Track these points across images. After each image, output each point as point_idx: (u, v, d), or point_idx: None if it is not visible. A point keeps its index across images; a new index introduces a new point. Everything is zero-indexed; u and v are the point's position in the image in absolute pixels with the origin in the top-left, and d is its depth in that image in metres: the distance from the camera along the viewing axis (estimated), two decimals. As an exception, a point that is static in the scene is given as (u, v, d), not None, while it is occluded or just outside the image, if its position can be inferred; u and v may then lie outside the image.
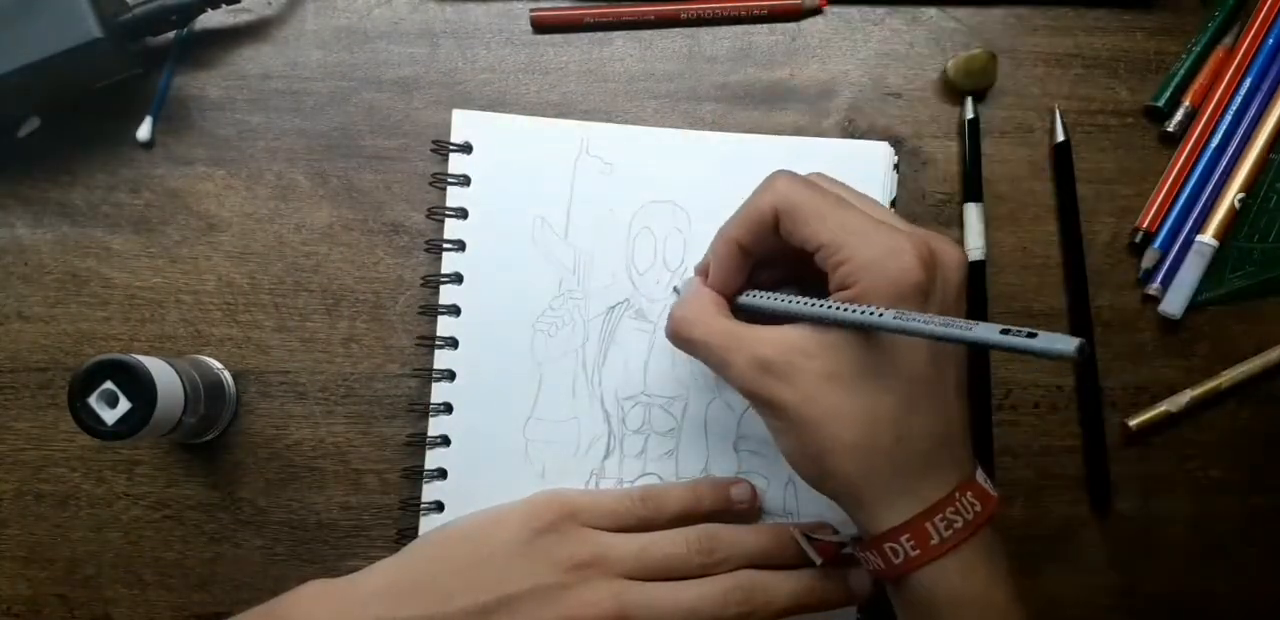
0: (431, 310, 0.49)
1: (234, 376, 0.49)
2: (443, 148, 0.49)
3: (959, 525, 0.38)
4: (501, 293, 0.49)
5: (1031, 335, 0.31)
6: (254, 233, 0.50)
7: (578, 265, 0.49)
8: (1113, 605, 0.50)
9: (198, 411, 0.45)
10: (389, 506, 0.49)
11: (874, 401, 0.37)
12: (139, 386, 0.42)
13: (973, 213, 0.50)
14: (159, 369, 0.43)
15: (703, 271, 0.44)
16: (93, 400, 0.42)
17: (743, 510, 0.47)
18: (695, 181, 0.49)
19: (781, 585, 0.44)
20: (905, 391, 0.38)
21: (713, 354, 0.40)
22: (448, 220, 0.49)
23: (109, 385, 0.42)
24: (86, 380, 0.42)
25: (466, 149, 0.49)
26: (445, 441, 0.48)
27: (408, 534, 0.48)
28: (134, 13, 0.48)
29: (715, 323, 0.41)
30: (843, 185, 0.42)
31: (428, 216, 0.50)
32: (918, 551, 0.38)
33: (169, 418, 0.43)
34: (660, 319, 0.48)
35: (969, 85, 0.51)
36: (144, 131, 0.50)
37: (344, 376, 0.50)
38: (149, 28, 0.49)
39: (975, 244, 0.50)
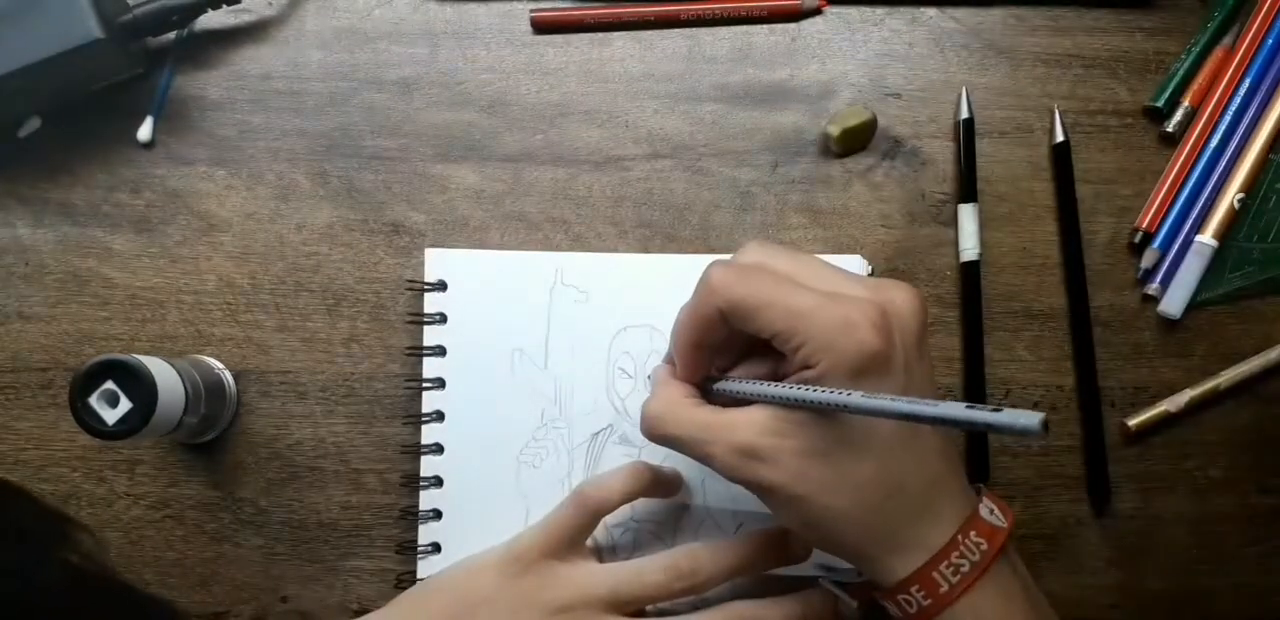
0: (415, 448, 0.48)
1: (234, 376, 0.49)
2: (418, 287, 0.49)
3: (966, 569, 0.38)
4: (484, 428, 0.48)
5: (996, 410, 0.31)
6: (254, 233, 0.50)
7: (559, 394, 0.49)
8: (1113, 605, 0.50)
9: (198, 411, 0.45)
10: (389, 506, 0.49)
11: (855, 469, 0.37)
12: (139, 386, 0.42)
13: (967, 214, 0.50)
14: (159, 369, 0.43)
15: (669, 360, 0.43)
16: (93, 400, 0.42)
17: None
18: (670, 304, 0.45)
19: (772, 614, 0.45)
20: (883, 453, 0.38)
21: (692, 448, 0.40)
22: (426, 359, 0.49)
23: (110, 385, 0.42)
24: (87, 380, 0.42)
25: (441, 287, 0.49)
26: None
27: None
28: (134, 13, 0.48)
29: (687, 415, 0.40)
30: (781, 251, 0.40)
31: (407, 354, 0.49)
32: (929, 601, 0.38)
33: (169, 418, 0.43)
34: (645, 442, 0.48)
35: (844, 146, 0.50)
36: (144, 131, 0.50)
37: (344, 376, 0.50)
38: (149, 28, 0.49)
39: (969, 245, 0.50)
